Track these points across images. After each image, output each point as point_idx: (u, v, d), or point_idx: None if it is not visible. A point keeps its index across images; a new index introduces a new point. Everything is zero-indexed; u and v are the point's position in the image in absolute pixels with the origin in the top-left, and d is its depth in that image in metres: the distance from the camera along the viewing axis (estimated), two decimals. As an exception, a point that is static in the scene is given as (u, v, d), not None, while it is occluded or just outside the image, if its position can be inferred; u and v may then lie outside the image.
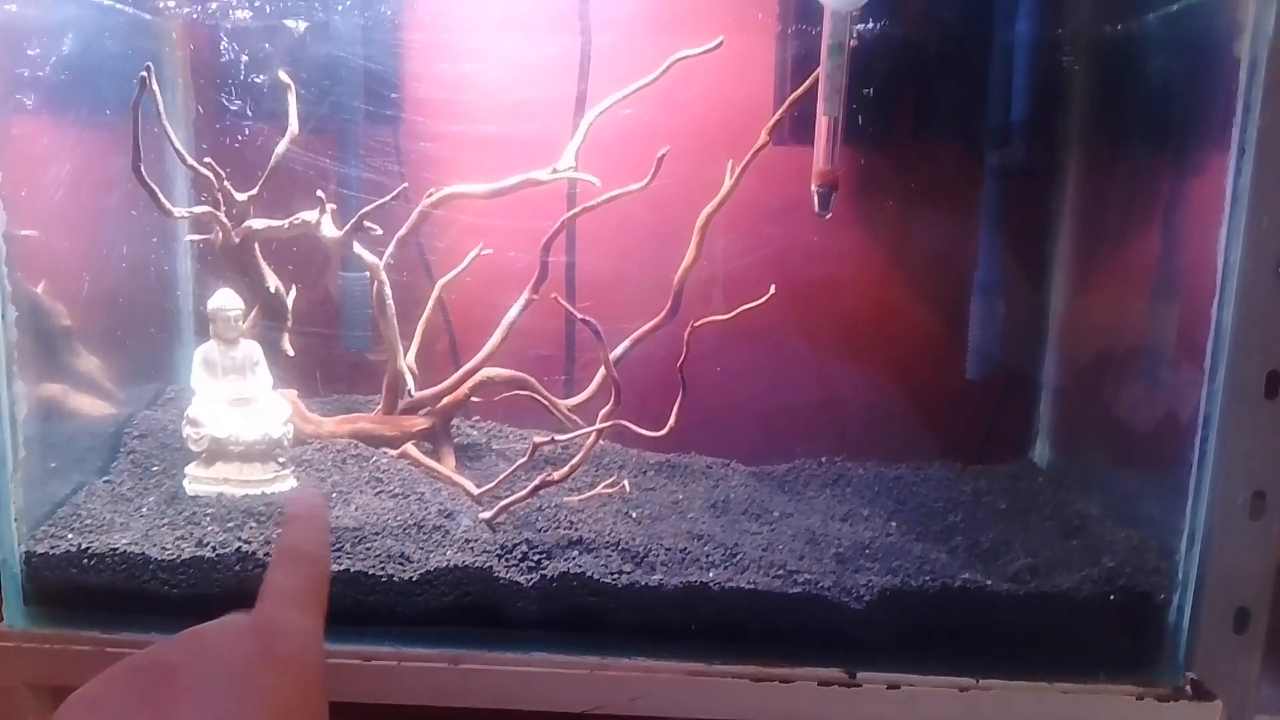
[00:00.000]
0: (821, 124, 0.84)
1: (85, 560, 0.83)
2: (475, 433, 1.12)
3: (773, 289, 0.90)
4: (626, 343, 1.02)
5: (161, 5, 1.04)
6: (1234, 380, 0.78)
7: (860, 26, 0.99)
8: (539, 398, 1.03)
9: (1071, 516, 0.96)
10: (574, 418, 1.03)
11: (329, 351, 1.11)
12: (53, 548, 0.83)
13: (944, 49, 1.02)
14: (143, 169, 0.84)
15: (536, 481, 0.89)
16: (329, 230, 0.90)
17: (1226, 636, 0.83)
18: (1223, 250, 0.77)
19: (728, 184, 0.99)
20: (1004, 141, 1.03)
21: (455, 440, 1.07)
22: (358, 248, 0.91)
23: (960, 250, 1.07)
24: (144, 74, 0.81)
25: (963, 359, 1.10)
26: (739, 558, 0.86)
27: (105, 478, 0.94)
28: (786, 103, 0.90)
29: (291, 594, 0.47)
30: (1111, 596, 0.82)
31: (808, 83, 0.87)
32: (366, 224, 0.89)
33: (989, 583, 0.83)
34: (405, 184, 0.91)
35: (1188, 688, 0.81)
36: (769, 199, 1.04)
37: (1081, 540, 0.91)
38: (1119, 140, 1.00)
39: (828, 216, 0.86)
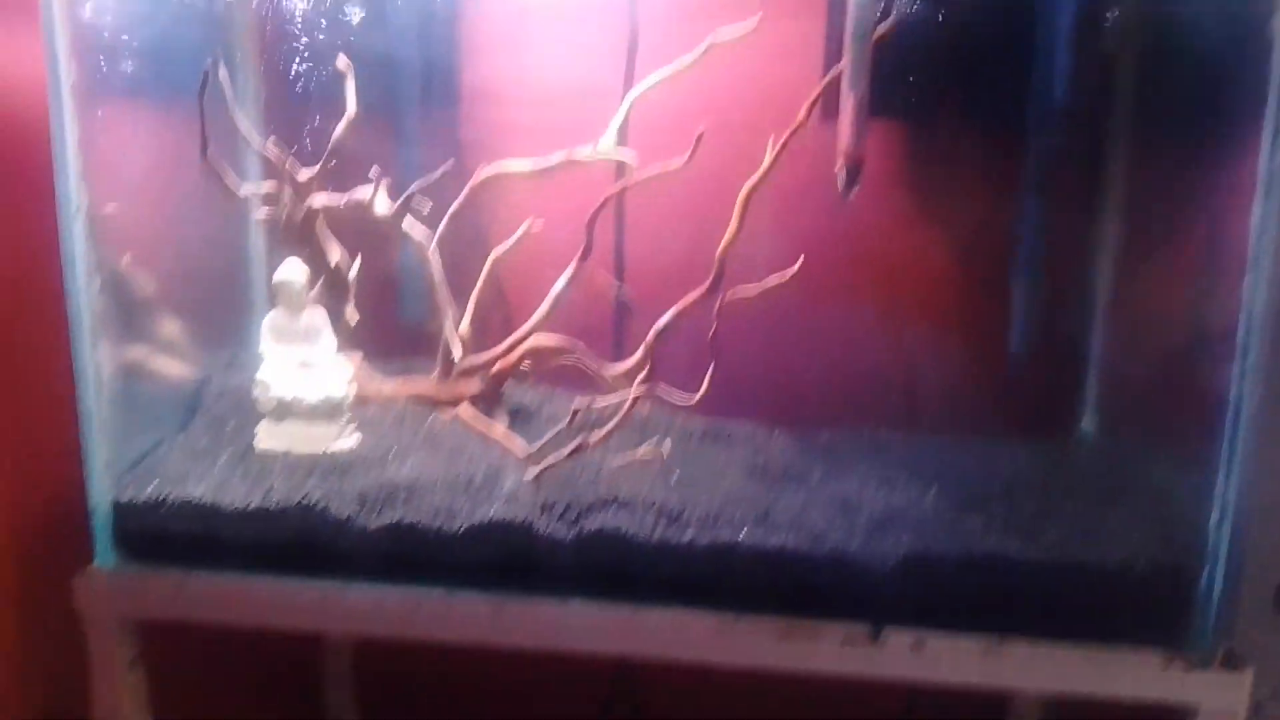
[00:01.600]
0: (847, 105, 0.85)
1: (165, 508, 0.90)
2: (526, 398, 1.16)
3: (801, 260, 0.92)
4: (671, 313, 1.05)
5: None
6: (1276, 354, 0.78)
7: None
8: (585, 365, 1.07)
9: (1113, 489, 0.96)
10: (621, 383, 1.06)
11: (389, 320, 1.16)
12: (137, 496, 0.91)
13: (992, 27, 1.02)
14: (209, 154, 0.90)
15: (575, 443, 0.93)
16: (381, 206, 0.96)
17: (1264, 612, 0.83)
18: (1255, 230, 0.76)
19: (768, 160, 1.01)
20: (1050, 119, 1.03)
21: (509, 405, 1.12)
22: (409, 223, 0.96)
23: (1009, 224, 1.07)
24: (209, 66, 0.86)
25: (1010, 332, 1.10)
26: (771, 519, 0.89)
27: (183, 434, 1.02)
28: (823, 81, 0.91)
29: None
30: (1144, 567, 0.83)
31: (835, 69, 0.88)
32: (416, 200, 0.94)
33: (1020, 548, 0.85)
34: (450, 162, 0.95)
35: (1220, 656, 0.81)
36: (818, 175, 1.05)
37: (1119, 511, 0.91)
38: (1163, 119, 0.99)
39: (850, 197, 0.88)
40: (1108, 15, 1.03)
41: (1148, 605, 0.83)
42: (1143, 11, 1.01)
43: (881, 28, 0.89)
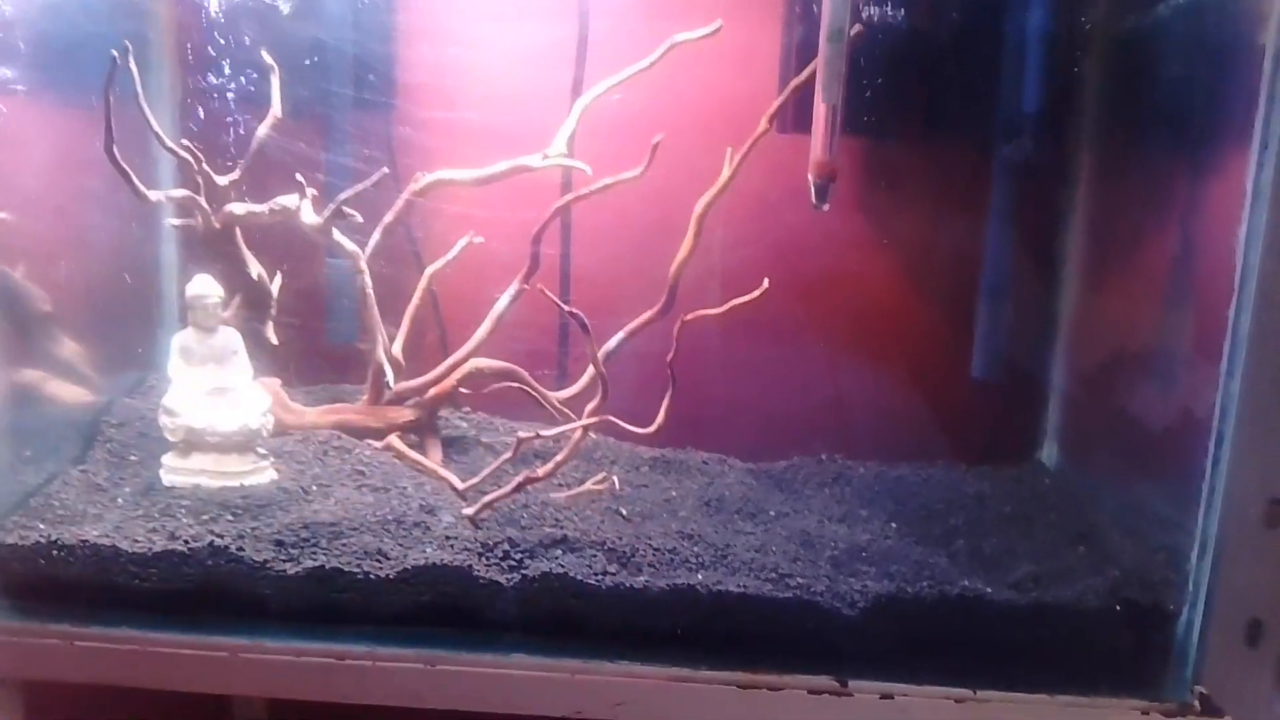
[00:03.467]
0: (820, 111, 0.80)
1: (55, 552, 0.80)
2: (464, 425, 1.09)
3: (766, 283, 0.87)
4: (620, 335, 1.00)
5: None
6: (1252, 384, 0.75)
7: (868, 11, 0.96)
8: (529, 390, 1.00)
9: (1078, 522, 0.92)
10: (565, 411, 1.00)
11: (315, 341, 1.08)
12: (23, 538, 0.81)
13: (953, 39, 0.98)
14: (116, 151, 0.81)
15: (520, 478, 0.86)
16: (309, 217, 0.87)
17: (1238, 649, 0.80)
18: (1242, 250, 0.73)
19: (726, 173, 0.96)
20: (1014, 136, 1.00)
21: (443, 433, 1.04)
22: (338, 236, 0.88)
23: (968, 248, 1.04)
24: (115, 53, 0.78)
25: (970, 358, 1.07)
26: (730, 559, 0.83)
27: (81, 467, 0.92)
28: (787, 89, 0.86)
29: None
30: (1117, 607, 0.79)
31: (809, 69, 0.83)
32: (346, 210, 0.86)
33: (989, 591, 0.80)
34: (385, 169, 0.88)
35: (1196, 703, 0.78)
36: (772, 189, 1.01)
37: (1088, 547, 0.88)
38: (1134, 137, 0.97)
39: (824, 209, 0.83)
40: (1079, 28, 1.00)
41: (1125, 649, 0.80)
42: (1116, 27, 0.98)
43: (853, 30, 0.84)
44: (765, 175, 0.97)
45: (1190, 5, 0.85)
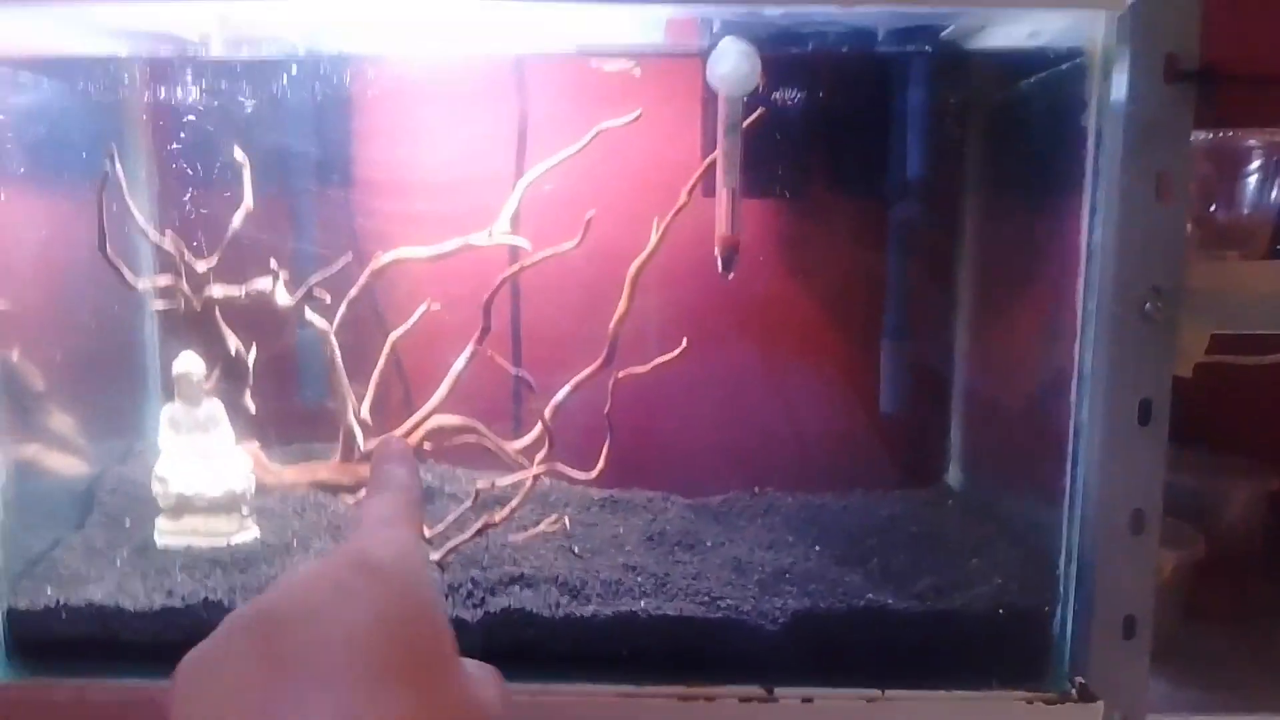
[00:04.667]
0: (722, 195, 0.93)
1: (63, 613, 0.89)
2: (429, 477, 1.19)
3: (685, 342, 0.99)
4: (566, 388, 1.10)
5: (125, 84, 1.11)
6: (1110, 409, 0.87)
7: (776, 95, 1.09)
8: (487, 443, 1.10)
9: (973, 537, 1.04)
10: (522, 459, 1.10)
11: (288, 402, 1.18)
12: (33, 602, 0.90)
13: (846, 116, 1.12)
14: (108, 247, 0.91)
15: (480, 523, 0.96)
16: (282, 298, 0.98)
17: (1116, 643, 0.92)
18: (1081, 299, 0.86)
19: (654, 239, 1.07)
20: (904, 196, 1.13)
21: (410, 483, 1.14)
22: (309, 314, 0.99)
23: (870, 297, 1.17)
24: (108, 160, 0.88)
25: (879, 395, 1.19)
26: (669, 587, 0.94)
27: (80, 532, 1.01)
28: (697, 172, 0.99)
29: (382, 514, 0.48)
30: (1001, 610, 0.91)
31: (710, 157, 0.96)
32: (315, 292, 0.97)
33: (895, 601, 0.92)
34: (349, 255, 0.99)
35: (1074, 691, 0.89)
36: (699, 252, 1.12)
37: (980, 559, 1.00)
38: (1003, 196, 1.10)
39: (730, 277, 0.95)
40: (954, 103, 1.14)
41: (1012, 647, 0.91)
42: (984, 101, 1.12)
43: (747, 121, 0.97)
44: (692, 235, 1.08)
45: (1035, 85, 0.99)
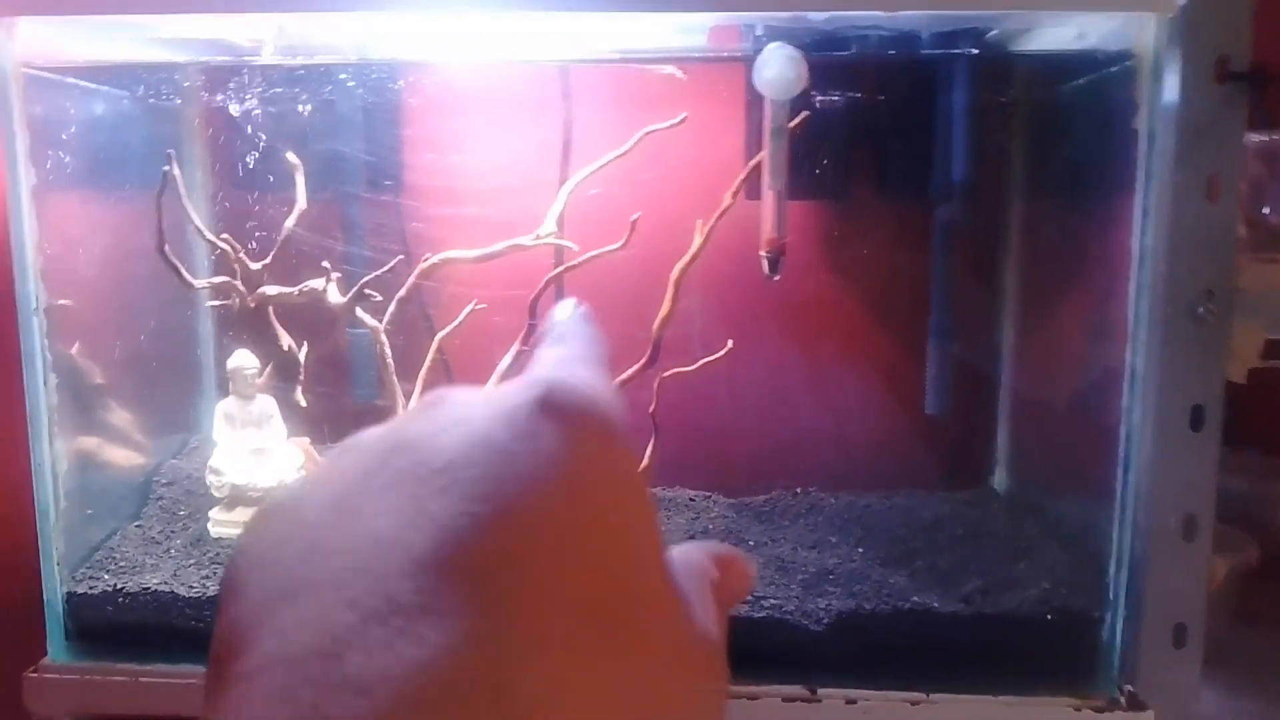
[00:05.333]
0: (768, 197, 0.94)
1: (120, 599, 0.92)
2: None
3: (730, 344, 0.99)
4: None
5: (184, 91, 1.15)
6: (1162, 413, 0.86)
7: (821, 98, 1.10)
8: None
9: (1020, 540, 1.03)
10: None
11: (339, 400, 1.20)
12: (91, 588, 0.92)
13: (890, 119, 1.12)
14: (166, 247, 0.94)
15: (526, 519, 0.97)
16: (334, 297, 1.00)
17: (1166, 651, 0.91)
18: (1132, 301, 0.85)
19: (697, 242, 1.08)
20: (949, 200, 1.13)
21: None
22: (360, 312, 1.01)
23: (918, 299, 1.17)
24: (166, 166, 0.91)
25: (925, 396, 1.19)
26: (712, 586, 0.94)
27: (137, 522, 1.04)
28: (743, 173, 0.99)
29: (564, 358, 0.34)
30: (1049, 615, 0.90)
31: (755, 160, 0.96)
32: (366, 291, 0.99)
33: (941, 604, 0.91)
34: (401, 255, 1.01)
35: (1122, 699, 0.88)
36: (745, 254, 1.13)
37: (1027, 562, 0.99)
38: (1052, 197, 1.10)
39: (776, 279, 0.96)
40: (1004, 103, 1.13)
41: (1059, 653, 0.90)
42: (1032, 102, 1.11)
43: (794, 123, 0.97)
44: (737, 237, 1.09)
45: (1083, 87, 0.98)
